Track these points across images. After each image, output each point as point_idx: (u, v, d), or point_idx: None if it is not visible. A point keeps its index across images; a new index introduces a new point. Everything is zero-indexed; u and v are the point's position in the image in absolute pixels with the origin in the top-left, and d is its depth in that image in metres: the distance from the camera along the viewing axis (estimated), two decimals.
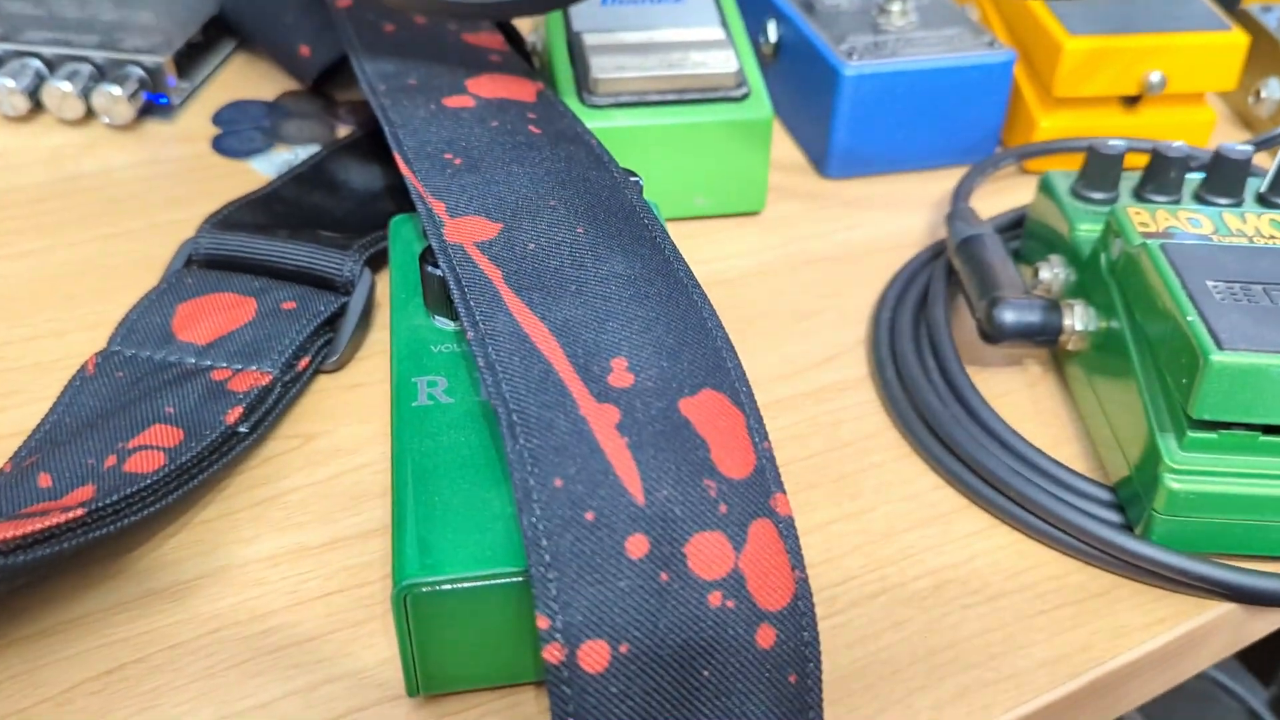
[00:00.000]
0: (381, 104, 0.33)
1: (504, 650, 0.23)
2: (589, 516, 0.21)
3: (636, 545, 0.21)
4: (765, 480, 0.22)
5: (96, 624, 0.25)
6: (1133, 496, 0.28)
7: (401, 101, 0.33)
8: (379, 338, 0.34)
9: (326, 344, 0.32)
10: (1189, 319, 0.25)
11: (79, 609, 0.26)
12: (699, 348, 0.24)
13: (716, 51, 0.38)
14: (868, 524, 0.29)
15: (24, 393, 0.31)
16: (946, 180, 0.42)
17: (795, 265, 0.38)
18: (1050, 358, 0.34)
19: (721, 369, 0.24)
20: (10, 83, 0.42)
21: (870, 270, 0.38)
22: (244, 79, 0.47)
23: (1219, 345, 0.25)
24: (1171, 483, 0.26)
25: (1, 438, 0.30)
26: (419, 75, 0.35)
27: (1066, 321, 0.31)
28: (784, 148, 0.44)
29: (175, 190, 0.40)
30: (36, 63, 0.43)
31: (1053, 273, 0.33)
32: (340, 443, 0.30)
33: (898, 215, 0.40)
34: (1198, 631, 0.27)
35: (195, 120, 0.44)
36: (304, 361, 0.31)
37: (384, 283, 0.35)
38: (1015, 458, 0.29)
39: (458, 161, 0.30)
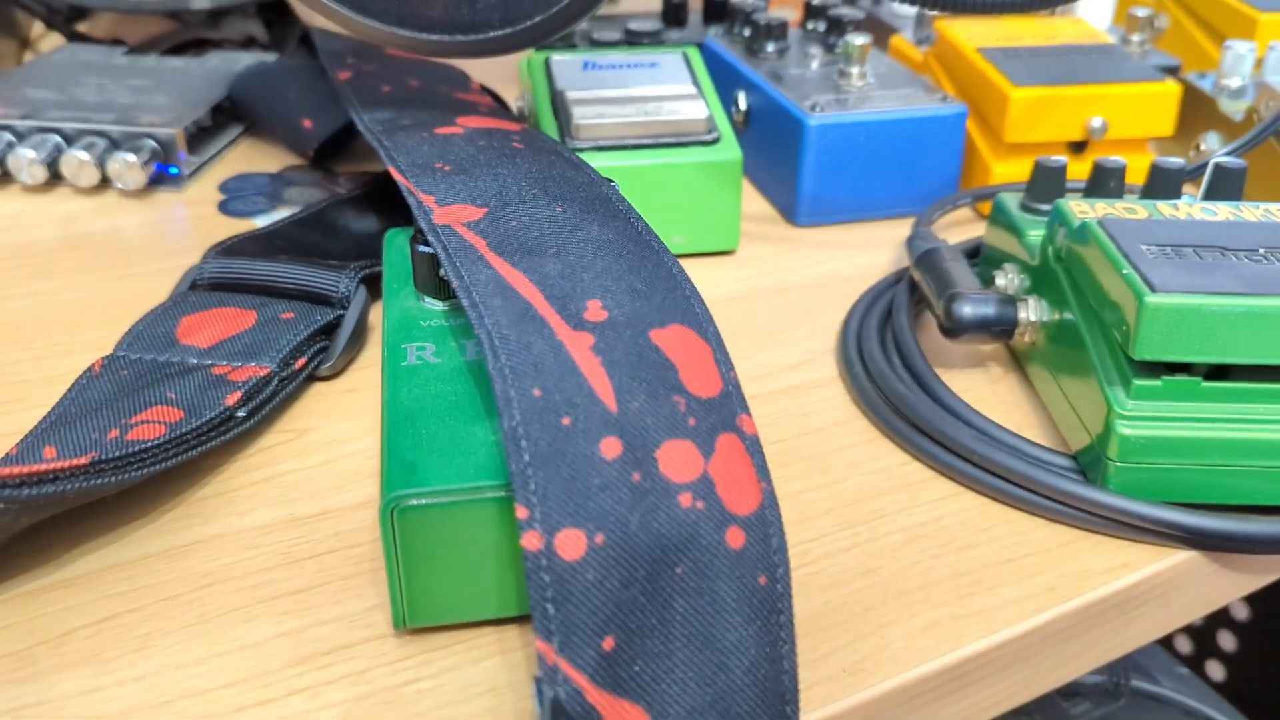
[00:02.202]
0: (378, 138, 0.36)
1: (488, 577, 0.24)
2: (565, 421, 0.22)
3: (610, 447, 0.22)
4: (732, 402, 0.24)
5: (92, 582, 0.26)
6: (1093, 459, 0.29)
7: (397, 134, 0.36)
8: (372, 354, 0.35)
9: (322, 351, 0.34)
10: (1125, 271, 0.27)
11: (75, 570, 0.26)
12: (669, 293, 0.26)
13: (689, 102, 0.42)
14: (839, 492, 0.30)
15: (29, 399, 0.33)
16: (909, 227, 0.45)
17: (768, 293, 0.40)
18: (1010, 358, 0.36)
19: (690, 311, 0.25)
20: (31, 153, 0.45)
21: (839, 295, 0.40)
22: (248, 159, 0.50)
23: (1152, 289, 0.27)
24: (1123, 429, 0.27)
25: (9, 435, 0.31)
26: (413, 118, 0.38)
27: (1021, 314, 0.33)
28: (757, 203, 0.47)
29: (181, 243, 0.43)
30: (56, 137, 0.46)
31: (1007, 278, 0.35)
32: (333, 436, 0.31)
33: (864, 253, 0.43)
34: (1161, 578, 0.28)
35: (203, 189, 0.47)
36: (300, 361, 0.32)
37: (379, 309, 0.37)
38: (979, 433, 0.31)
39: (447, 168, 0.32)
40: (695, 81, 0.43)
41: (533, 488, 0.21)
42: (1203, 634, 0.74)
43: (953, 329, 0.33)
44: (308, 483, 0.30)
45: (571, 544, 0.21)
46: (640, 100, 0.41)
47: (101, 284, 0.39)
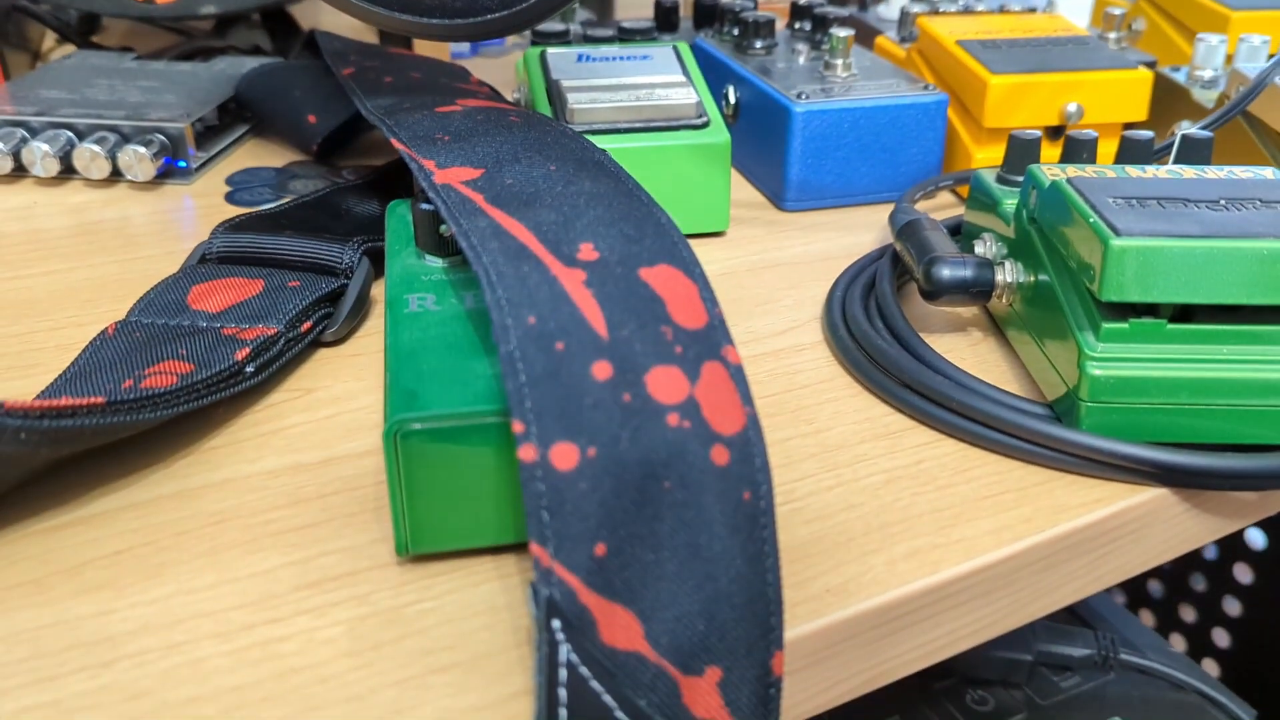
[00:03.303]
0: (381, 119, 0.38)
1: (487, 502, 0.25)
2: (559, 346, 0.23)
3: (601, 370, 0.23)
4: (717, 333, 0.25)
5: (107, 520, 0.27)
6: (1068, 405, 0.30)
7: (399, 114, 0.38)
8: (375, 324, 0.37)
9: (327, 317, 0.35)
10: (1091, 220, 0.29)
11: (91, 509, 0.28)
12: (658, 238, 0.27)
13: (679, 89, 0.43)
14: (824, 440, 0.31)
15: (46, 365, 0.34)
16: None
17: (757, 269, 0.41)
18: (989, 323, 0.37)
19: (678, 254, 0.27)
20: (44, 147, 0.47)
21: (825, 271, 0.41)
22: (254, 156, 0.52)
23: (1117, 233, 0.28)
24: (1093, 370, 0.29)
25: (23, 396, 0.32)
26: (414, 101, 0.40)
27: (998, 277, 0.34)
28: (747, 191, 0.48)
29: (189, 229, 0.44)
30: (68, 132, 0.48)
31: (985, 246, 0.37)
32: (338, 394, 0.33)
33: (849, 235, 0.44)
34: (1134, 513, 0.29)
35: (210, 183, 0.49)
36: (306, 325, 0.34)
37: (382, 283, 0.39)
38: (958, 385, 0.32)
39: (446, 138, 0.34)
40: (685, 71, 0.45)
41: (529, 405, 0.23)
42: (1207, 600, 0.74)
43: (932, 291, 0.35)
44: (313, 434, 0.31)
45: (565, 456, 0.22)
46: (632, 87, 0.43)
47: (112, 265, 0.41)
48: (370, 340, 0.36)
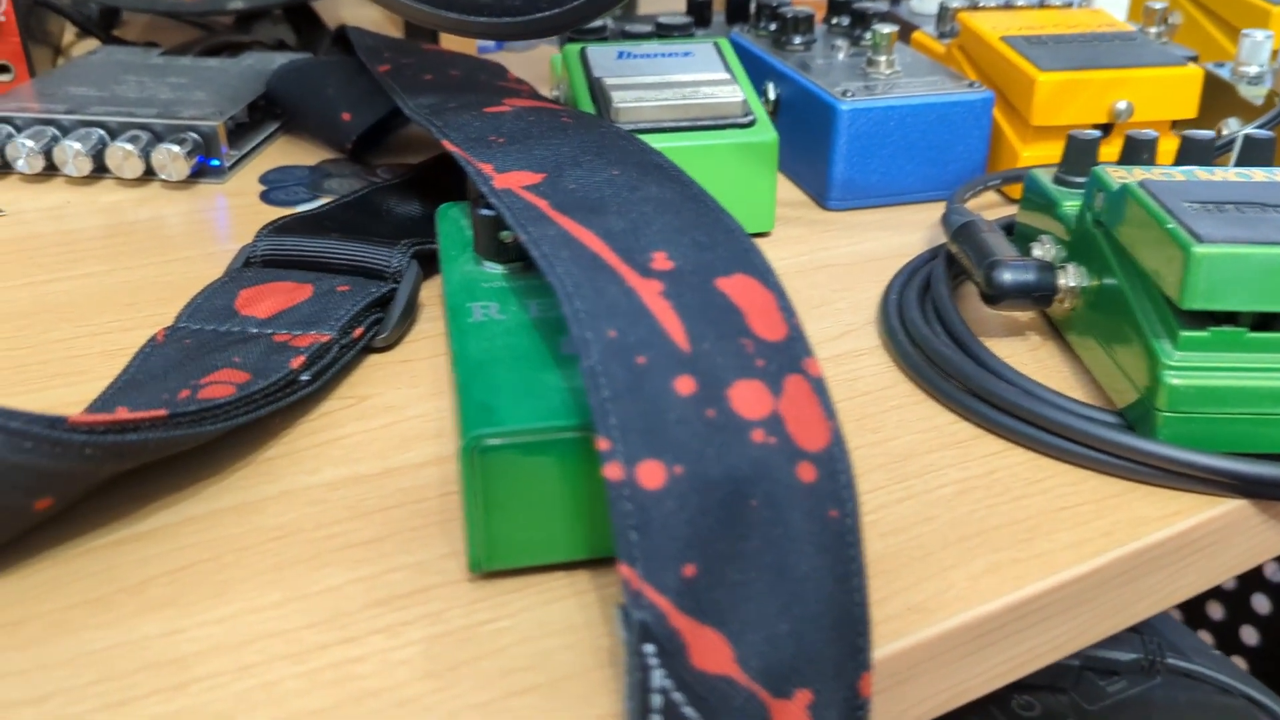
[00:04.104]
0: (428, 119, 0.37)
1: (563, 518, 0.24)
2: (640, 360, 0.23)
3: (684, 385, 0.23)
4: (797, 345, 0.24)
5: (167, 535, 0.27)
6: (1140, 413, 0.29)
7: (446, 114, 0.37)
8: (424, 328, 0.36)
9: (377, 323, 0.34)
10: (1169, 226, 0.28)
11: (150, 524, 0.27)
12: (730, 246, 0.26)
13: (724, 86, 0.42)
14: (890, 449, 0.30)
15: (91, 372, 0.33)
16: (939, 209, 0.46)
17: (806, 270, 0.41)
18: (1047, 327, 0.37)
19: (752, 262, 0.26)
20: (76, 145, 0.46)
21: (876, 272, 0.40)
22: (286, 153, 0.51)
23: (1199, 239, 0.27)
24: (1171, 379, 0.28)
25: (73, 404, 0.32)
26: (459, 100, 0.39)
27: (1060, 280, 0.34)
28: (788, 189, 0.48)
29: (226, 229, 0.43)
30: (100, 131, 0.47)
31: (1044, 249, 0.36)
32: (392, 402, 0.32)
33: (896, 234, 0.44)
34: (1212, 525, 0.28)
35: (243, 181, 0.48)
36: (358, 331, 0.33)
37: (429, 285, 0.38)
38: (1025, 393, 0.31)
39: (501, 140, 0.33)
40: (728, 68, 0.44)
41: (613, 421, 0.22)
42: (1236, 598, 0.74)
43: (994, 295, 0.34)
44: (370, 444, 0.30)
45: (651, 474, 0.22)
46: (677, 85, 0.42)
47: (151, 267, 0.40)
48: (420, 345, 0.35)
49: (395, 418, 0.31)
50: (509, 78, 0.46)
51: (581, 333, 0.23)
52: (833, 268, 0.41)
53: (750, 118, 0.42)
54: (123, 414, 0.25)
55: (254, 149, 0.51)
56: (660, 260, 0.26)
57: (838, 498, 0.23)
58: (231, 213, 0.45)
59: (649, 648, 0.21)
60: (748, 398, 0.23)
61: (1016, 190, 0.46)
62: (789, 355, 0.24)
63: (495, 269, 0.30)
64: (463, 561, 0.26)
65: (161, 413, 0.26)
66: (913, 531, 0.27)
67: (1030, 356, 0.35)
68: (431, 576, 0.25)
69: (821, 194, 0.46)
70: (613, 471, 0.21)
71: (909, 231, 0.44)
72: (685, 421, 0.22)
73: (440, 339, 0.35)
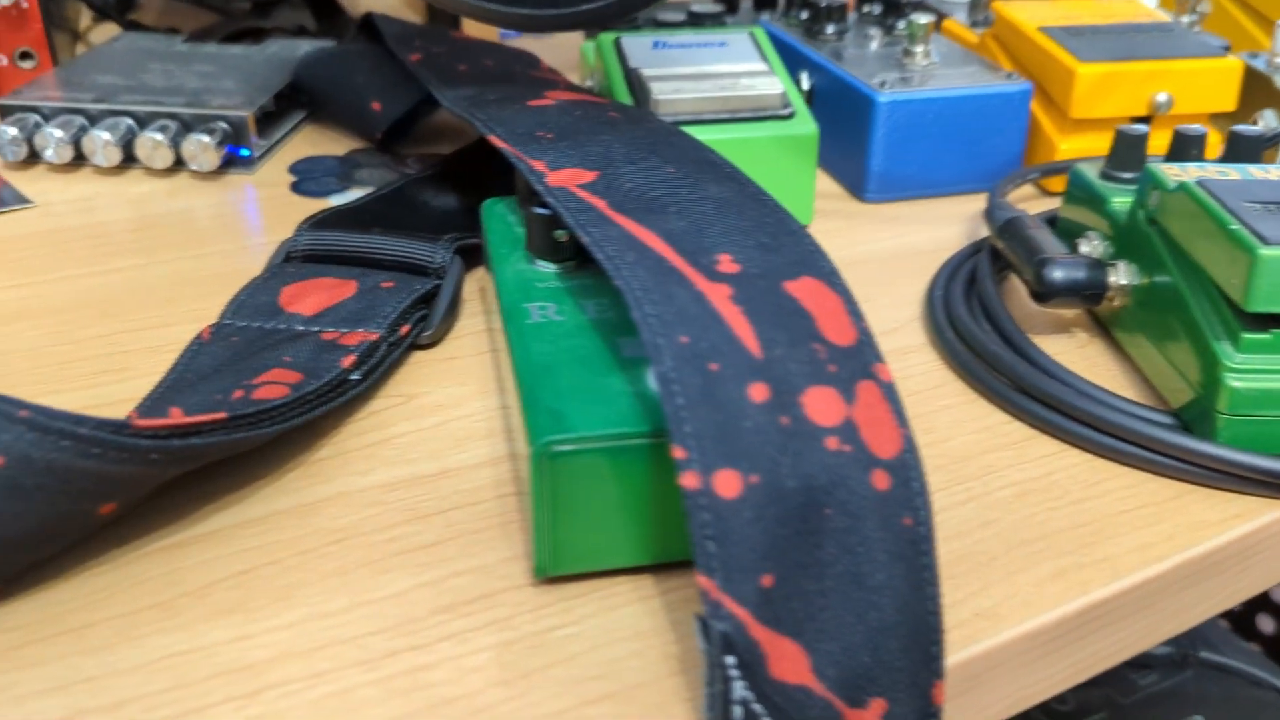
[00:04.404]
0: (469, 112, 0.36)
1: (630, 524, 0.24)
2: (713, 367, 0.23)
3: (758, 392, 0.22)
4: (867, 350, 0.24)
5: (226, 537, 0.26)
6: (1198, 413, 0.29)
7: (487, 107, 0.36)
8: (466, 324, 0.36)
9: (422, 319, 0.34)
10: (1233, 227, 0.28)
11: (208, 526, 0.27)
12: (795, 247, 0.26)
13: (762, 78, 0.42)
14: (946, 450, 0.30)
15: (135, 369, 0.33)
16: (976, 202, 0.46)
17: (846, 264, 0.40)
18: (1095, 325, 0.36)
19: (818, 264, 0.26)
20: (106, 135, 0.45)
21: (917, 266, 0.40)
22: (313, 143, 0.51)
23: (1265, 242, 0.27)
24: (1232, 381, 0.28)
25: (120, 402, 0.31)
26: (498, 94, 0.38)
27: (1111, 278, 0.34)
28: (823, 180, 0.47)
29: (259, 221, 0.43)
30: (128, 120, 0.46)
31: (1091, 245, 0.36)
32: (440, 400, 0.32)
33: (936, 227, 0.43)
34: (1274, 528, 0.28)
35: (272, 171, 0.47)
36: (405, 328, 0.33)
37: (472, 279, 0.38)
38: (1080, 393, 0.31)
39: (550, 136, 0.33)
40: (764, 59, 0.44)
41: (688, 429, 0.22)
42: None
43: (1044, 293, 0.34)
44: (422, 444, 0.30)
45: (728, 483, 0.21)
46: (715, 76, 0.42)
47: (187, 261, 0.40)
48: (464, 342, 0.35)
49: (445, 417, 0.31)
50: (542, 68, 0.45)
51: (653, 339, 0.23)
52: (873, 262, 0.41)
53: (790, 110, 0.42)
54: (184, 417, 0.25)
55: (281, 139, 0.50)
56: (726, 263, 0.25)
57: (911, 505, 0.23)
58: (262, 204, 0.45)
59: (730, 659, 0.20)
60: (821, 405, 0.23)
61: (1054, 183, 0.46)
62: (860, 360, 0.24)
63: (548, 268, 0.30)
64: (525, 565, 0.26)
65: (221, 415, 0.26)
66: (975, 535, 0.27)
67: (1078, 354, 0.35)
68: (495, 581, 0.25)
69: (858, 186, 0.45)
70: (689, 481, 0.21)
71: (947, 225, 0.44)
72: (760, 430, 0.22)
73: (483, 335, 0.35)
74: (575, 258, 0.30)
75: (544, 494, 0.23)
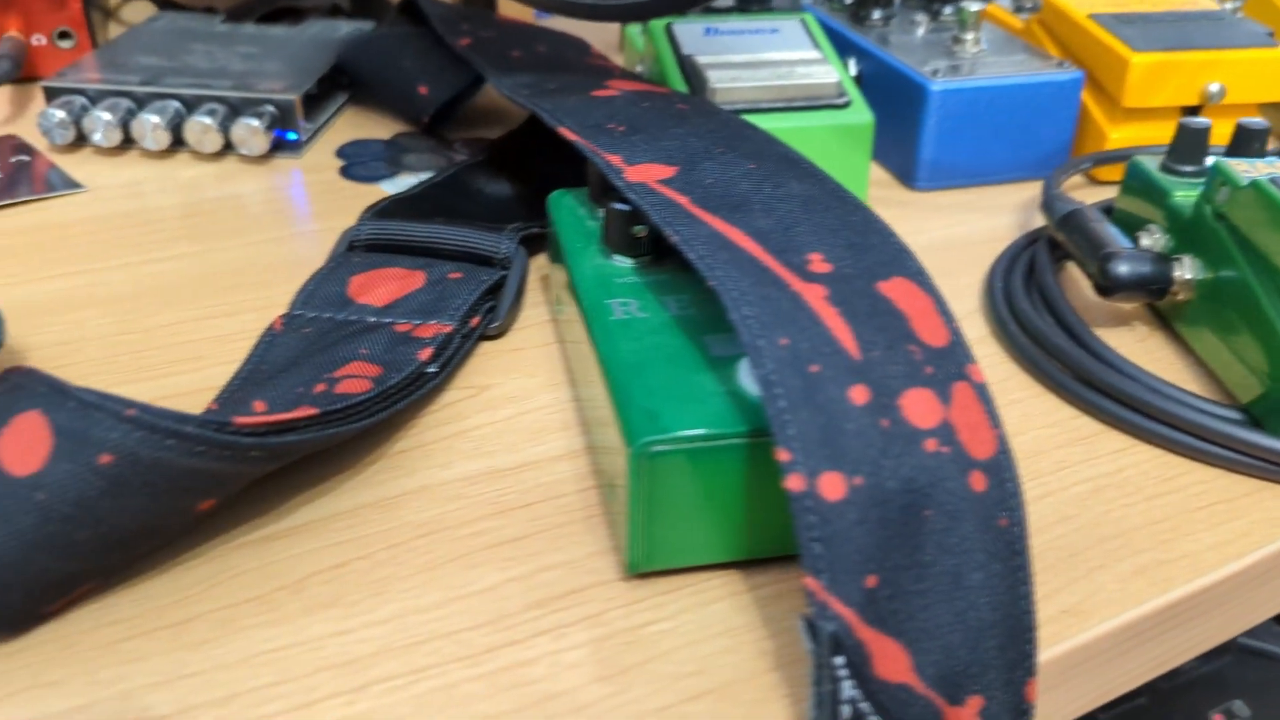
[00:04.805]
0: (532, 101, 0.36)
1: (722, 522, 0.25)
2: (814, 369, 0.23)
3: (858, 394, 0.23)
4: (960, 351, 0.24)
5: (316, 530, 0.27)
6: (1269, 408, 0.30)
7: (552, 96, 0.36)
8: (532, 314, 0.36)
9: (490, 310, 0.34)
10: None
11: (297, 519, 0.27)
12: (884, 247, 0.26)
13: (817, 66, 0.42)
14: (1019, 445, 0.30)
15: (207, 358, 0.33)
16: (1026, 191, 0.46)
17: None
18: (1155, 318, 0.37)
19: (907, 264, 0.26)
20: (155, 119, 0.45)
21: (972, 257, 0.40)
22: (356, 126, 0.51)
23: None
24: None
25: (195, 392, 0.32)
26: (557, 82, 0.38)
27: (1176, 273, 0.34)
28: (871, 169, 0.47)
29: (313, 207, 0.43)
30: (175, 103, 0.46)
31: (1153, 238, 0.36)
32: (512, 392, 0.32)
33: (988, 216, 0.43)
34: None
35: (320, 155, 0.47)
36: (475, 320, 0.33)
37: (532, 269, 0.38)
38: (1152, 390, 0.31)
39: (621, 129, 0.33)
40: (817, 46, 0.44)
41: (792, 432, 0.22)
42: None
43: (1108, 287, 0.34)
44: (498, 436, 0.30)
45: (833, 485, 0.22)
46: (771, 64, 0.42)
47: (244, 248, 0.40)
48: (529, 333, 0.35)
49: (519, 409, 0.31)
50: (594, 54, 0.45)
51: (753, 340, 0.23)
52: (927, 251, 0.41)
53: (845, 99, 0.42)
54: (280, 414, 0.25)
55: (326, 122, 0.50)
56: (817, 262, 0.25)
57: (1007, 506, 0.23)
58: (313, 189, 0.45)
59: (839, 660, 0.21)
60: (919, 406, 0.23)
61: (1102, 172, 0.46)
62: (954, 361, 0.24)
63: (625, 263, 0.30)
64: (612, 560, 0.26)
65: (314, 411, 0.26)
66: (1055, 531, 0.27)
67: (1139, 348, 0.35)
68: (584, 576, 0.26)
69: (908, 174, 0.45)
70: (795, 483, 0.22)
71: (998, 214, 0.44)
72: (862, 433, 0.22)
73: (547, 326, 0.35)
74: (651, 253, 0.30)
75: (640, 492, 0.24)
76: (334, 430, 0.26)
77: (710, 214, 0.27)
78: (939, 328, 0.25)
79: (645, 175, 0.30)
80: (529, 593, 0.25)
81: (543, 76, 0.39)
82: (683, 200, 0.28)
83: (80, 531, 0.22)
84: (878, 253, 0.26)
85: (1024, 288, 0.37)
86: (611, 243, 0.30)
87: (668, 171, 0.30)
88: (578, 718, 0.22)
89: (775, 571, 0.26)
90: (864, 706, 0.21)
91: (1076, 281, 0.38)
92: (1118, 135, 0.45)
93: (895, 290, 0.25)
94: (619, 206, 0.29)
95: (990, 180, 0.46)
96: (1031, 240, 0.40)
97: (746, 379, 0.25)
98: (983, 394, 0.24)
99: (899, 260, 0.26)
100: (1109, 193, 0.45)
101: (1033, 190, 0.46)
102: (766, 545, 0.25)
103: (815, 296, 0.24)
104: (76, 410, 0.22)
